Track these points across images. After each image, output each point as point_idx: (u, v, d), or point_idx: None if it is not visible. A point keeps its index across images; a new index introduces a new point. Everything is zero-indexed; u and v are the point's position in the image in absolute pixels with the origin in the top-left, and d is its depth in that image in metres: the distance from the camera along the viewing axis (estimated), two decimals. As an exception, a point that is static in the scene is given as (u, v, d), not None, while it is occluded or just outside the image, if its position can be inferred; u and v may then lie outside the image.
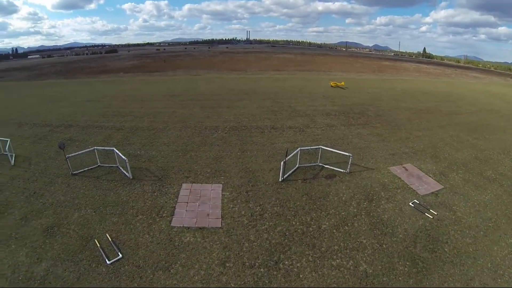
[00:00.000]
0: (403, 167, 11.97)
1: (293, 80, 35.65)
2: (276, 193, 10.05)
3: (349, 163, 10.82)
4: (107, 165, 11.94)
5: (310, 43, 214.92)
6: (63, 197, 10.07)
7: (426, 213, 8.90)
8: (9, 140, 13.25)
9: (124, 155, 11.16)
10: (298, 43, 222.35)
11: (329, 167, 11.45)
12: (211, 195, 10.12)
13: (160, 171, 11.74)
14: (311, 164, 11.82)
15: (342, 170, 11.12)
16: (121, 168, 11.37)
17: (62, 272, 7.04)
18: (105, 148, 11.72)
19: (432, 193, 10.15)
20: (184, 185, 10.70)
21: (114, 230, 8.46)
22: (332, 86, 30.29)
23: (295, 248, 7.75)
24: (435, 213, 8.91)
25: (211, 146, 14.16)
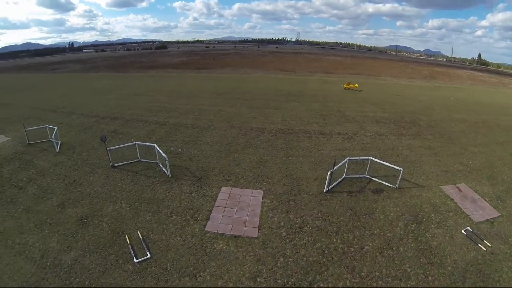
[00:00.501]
0: (457, 187, 11.20)
1: (342, 84, 34.86)
2: (319, 205, 9.63)
3: (399, 178, 10.27)
4: (147, 160, 12.37)
5: (359, 46, 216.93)
6: (100, 188, 10.55)
7: (479, 244, 8.21)
8: (56, 128, 14.79)
9: (165, 152, 11.53)
10: (347, 45, 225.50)
11: (377, 180, 11.00)
12: (251, 202, 9.83)
13: (200, 171, 11.75)
14: (358, 176, 11.35)
15: (390, 185, 10.60)
16: (160, 165, 11.63)
17: (89, 264, 7.26)
18: (146, 143, 12.23)
19: (488, 220, 9.29)
20: (223, 189, 10.50)
21: (146, 228, 8.52)
22: (345, 88, 30.47)
23: (333, 269, 7.22)
24: (489, 245, 8.14)
25: (256, 148, 14.01)
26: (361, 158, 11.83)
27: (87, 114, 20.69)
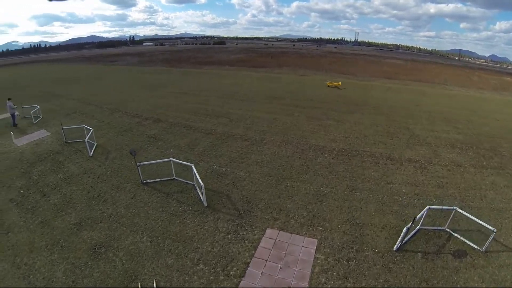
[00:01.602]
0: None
1: (407, 92, 32.88)
2: (386, 271, 8.03)
3: (489, 240, 8.61)
4: (183, 180, 11.77)
5: (419, 49, 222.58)
6: (124, 210, 10.18)
7: None
8: (92, 130, 15.69)
9: (206, 171, 11.30)
10: (407, 48, 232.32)
11: (458, 236, 9.48)
12: (300, 255, 8.40)
13: (244, 202, 10.54)
14: (436, 228, 9.76)
15: (476, 247, 8.97)
16: (197, 188, 10.71)
17: (90, 310, 6.51)
18: (183, 162, 11.47)
19: None
20: (268, 231, 9.11)
21: (165, 277, 7.63)
22: (328, 85, 33.03)
23: None
24: None
25: (314, 175, 12.49)
26: (444, 208, 9.90)
27: (130, 113, 21.70)
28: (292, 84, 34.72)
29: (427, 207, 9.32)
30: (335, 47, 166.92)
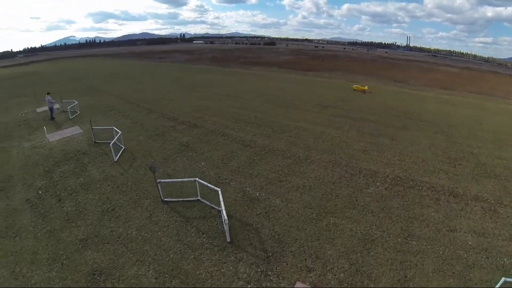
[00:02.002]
0: None
1: (466, 107, 29.49)
2: None
3: None
4: (208, 203, 10.49)
5: (475, 56, 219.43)
6: (135, 232, 9.29)
7: None
8: (120, 133, 15.56)
9: (237, 193, 10.35)
10: (461, 54, 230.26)
11: None
12: None
13: (274, 241, 9.02)
14: None
15: None
16: (224, 215, 9.35)
17: None
18: (209, 185, 10.17)
19: None
20: (298, 285, 7.48)
21: None
22: (354, 89, 32.90)
23: None
24: None
25: (362, 211, 10.55)
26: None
27: (167, 115, 21.39)
28: (342, 91, 32.70)
29: (503, 279, 7.15)
30: (386, 52, 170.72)
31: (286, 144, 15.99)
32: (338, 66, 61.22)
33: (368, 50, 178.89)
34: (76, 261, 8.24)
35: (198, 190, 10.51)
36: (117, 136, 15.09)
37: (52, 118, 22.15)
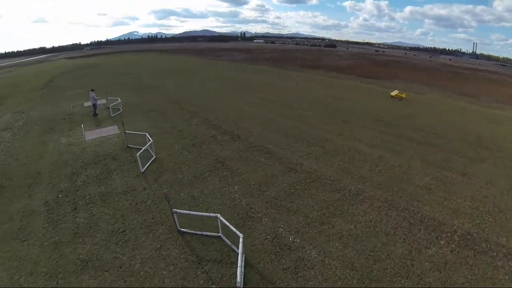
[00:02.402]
0: None
1: None
2: None
3: None
4: (229, 243, 8.89)
5: None
6: (139, 264, 8.30)
7: None
8: (151, 141, 15.04)
9: (266, 235, 8.97)
10: None
11: None
12: None
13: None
14: None
15: None
16: (240, 260, 7.80)
17: None
18: (231, 227, 8.37)
19: None
20: None
21: None
22: (392, 96, 32.20)
23: None
24: None
25: (417, 284, 8.08)
26: None
27: (210, 122, 20.54)
28: (406, 105, 28.95)
29: None
30: (450, 59, 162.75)
31: (337, 172, 13.82)
32: (400, 74, 56.51)
33: (430, 57, 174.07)
34: (71, 283, 7.80)
35: (220, 226, 9.03)
36: (147, 145, 14.50)
37: (95, 114, 22.65)
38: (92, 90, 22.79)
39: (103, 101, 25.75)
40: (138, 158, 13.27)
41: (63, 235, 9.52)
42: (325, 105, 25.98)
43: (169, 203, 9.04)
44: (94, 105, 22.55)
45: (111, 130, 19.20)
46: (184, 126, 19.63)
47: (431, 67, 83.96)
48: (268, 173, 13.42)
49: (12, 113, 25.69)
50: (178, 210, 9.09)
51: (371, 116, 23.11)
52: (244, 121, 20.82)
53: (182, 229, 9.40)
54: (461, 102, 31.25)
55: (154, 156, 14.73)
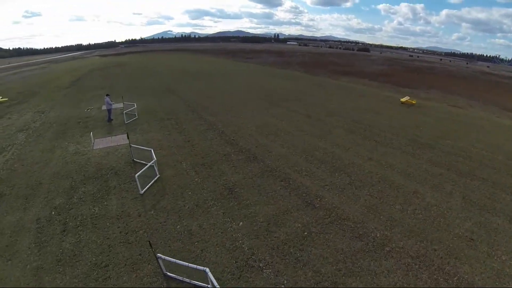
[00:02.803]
0: None
1: None
2: None
3: None
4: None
5: None
6: None
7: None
8: (155, 160, 13.88)
9: None
10: None
11: None
12: None
13: None
14: None
15: None
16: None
17: None
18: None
19: None
20: None
21: None
22: (402, 103, 32.60)
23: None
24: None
25: None
26: None
27: (226, 136, 19.30)
28: (444, 121, 25.82)
29: None
30: (488, 66, 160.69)
31: (362, 210, 11.87)
32: (436, 83, 53.04)
33: (467, 63, 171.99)
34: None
35: (209, 280, 7.63)
36: (149, 164, 13.35)
37: (110, 120, 22.23)
38: (107, 94, 22.39)
39: (120, 105, 25.33)
40: (137, 180, 12.28)
41: (46, 260, 8.95)
42: (355, 120, 23.90)
43: (151, 247, 7.88)
44: (109, 110, 22.09)
45: (121, 139, 18.50)
46: (198, 139, 18.52)
47: (469, 75, 79.09)
48: (281, 207, 11.82)
49: (32, 113, 25.97)
50: (163, 256, 7.87)
51: (405, 135, 20.90)
52: (264, 137, 19.30)
53: (169, 274, 8.22)
54: (507, 120, 28.08)
55: (158, 175, 13.71)
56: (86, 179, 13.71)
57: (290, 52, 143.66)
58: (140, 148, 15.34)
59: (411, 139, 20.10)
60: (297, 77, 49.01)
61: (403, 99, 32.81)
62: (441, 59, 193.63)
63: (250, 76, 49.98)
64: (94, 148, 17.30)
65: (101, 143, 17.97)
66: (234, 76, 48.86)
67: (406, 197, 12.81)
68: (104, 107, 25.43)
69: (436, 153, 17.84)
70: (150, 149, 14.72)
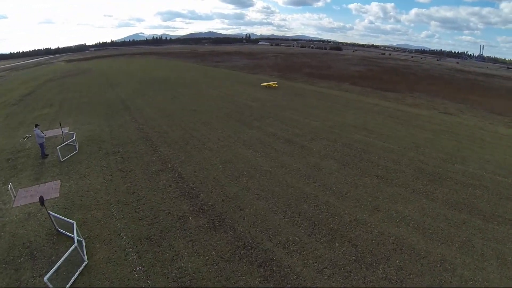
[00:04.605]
0: None
1: None
2: None
3: None
4: None
5: None
6: None
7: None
8: (75, 245, 8.98)
9: None
10: None
11: None
12: None
13: None
14: None
15: None
16: None
17: None
18: None
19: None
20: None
21: None
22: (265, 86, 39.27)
23: None
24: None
25: None
26: None
27: (184, 181, 14.80)
28: (442, 136, 22.44)
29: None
30: (457, 62, 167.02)
31: None
32: (417, 85, 51.29)
33: (437, 59, 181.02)
34: None
35: None
36: (70, 249, 8.71)
37: (44, 156, 17.58)
38: (36, 125, 17.38)
39: (60, 131, 20.56)
40: (48, 283, 8.05)
41: None
42: (346, 144, 19.81)
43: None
44: (41, 145, 17.25)
45: (50, 189, 13.97)
46: (146, 189, 13.82)
47: (445, 73, 78.59)
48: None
49: (-44, 144, 20.75)
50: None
51: (408, 162, 17.12)
52: (233, 181, 14.75)
53: None
54: (503, 128, 25.44)
55: (86, 262, 9.26)
56: (-13, 266, 9.27)
57: (262, 53, 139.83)
58: (61, 219, 10.64)
59: (416, 167, 16.46)
60: (270, 85, 44.88)
61: (264, 84, 39.09)
62: (412, 56, 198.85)
63: (219, 84, 44.88)
64: (14, 205, 12.72)
65: (24, 197, 13.26)
66: (202, 85, 43.83)
67: (433, 273, 9.17)
68: (45, 133, 20.68)
69: (450, 187, 14.35)
70: (72, 221, 10.12)
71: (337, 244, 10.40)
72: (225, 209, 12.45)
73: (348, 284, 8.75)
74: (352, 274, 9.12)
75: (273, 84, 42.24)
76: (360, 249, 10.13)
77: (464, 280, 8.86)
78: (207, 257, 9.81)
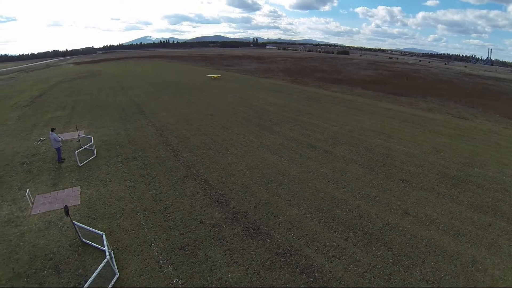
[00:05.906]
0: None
1: None
2: None
3: None
4: None
5: None
6: None
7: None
8: (111, 251, 8.28)
9: None
10: None
11: None
12: None
13: None
14: None
15: None
16: None
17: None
18: None
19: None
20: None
21: None
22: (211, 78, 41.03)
23: None
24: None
25: None
26: None
27: (212, 187, 14.30)
28: (460, 140, 22.10)
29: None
30: (465, 66, 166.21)
31: None
32: (428, 89, 50.41)
33: (445, 63, 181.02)
34: None
35: None
36: (102, 264, 7.95)
37: (61, 160, 17.03)
38: (52, 129, 16.79)
39: (76, 134, 20.02)
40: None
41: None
42: (367, 148, 19.38)
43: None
44: (58, 149, 16.75)
45: (70, 196, 13.37)
46: (173, 197, 13.20)
47: (455, 78, 77.68)
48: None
49: (-31, 147, 20.28)
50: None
51: (430, 166, 16.83)
52: (263, 187, 14.15)
53: None
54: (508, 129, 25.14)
55: (117, 275, 8.66)
56: (13, 278, 8.72)
57: (271, 57, 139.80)
58: (88, 230, 9.97)
59: (439, 172, 16.15)
60: (285, 89, 43.88)
61: (209, 75, 40.51)
62: (420, 60, 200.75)
63: (233, 88, 44.82)
64: (32, 213, 12.14)
65: (42, 204, 12.68)
66: (215, 89, 43.55)
67: (467, 273, 9.21)
68: (60, 137, 20.18)
69: (474, 191, 14.26)
70: (101, 233, 9.42)
71: (373, 248, 10.22)
72: (258, 216, 11.94)
73: (388, 284, 8.65)
74: (392, 277, 9.00)
75: (217, 76, 49.69)
76: (396, 252, 10.03)
77: (496, 279, 8.99)
78: (247, 266, 9.31)
